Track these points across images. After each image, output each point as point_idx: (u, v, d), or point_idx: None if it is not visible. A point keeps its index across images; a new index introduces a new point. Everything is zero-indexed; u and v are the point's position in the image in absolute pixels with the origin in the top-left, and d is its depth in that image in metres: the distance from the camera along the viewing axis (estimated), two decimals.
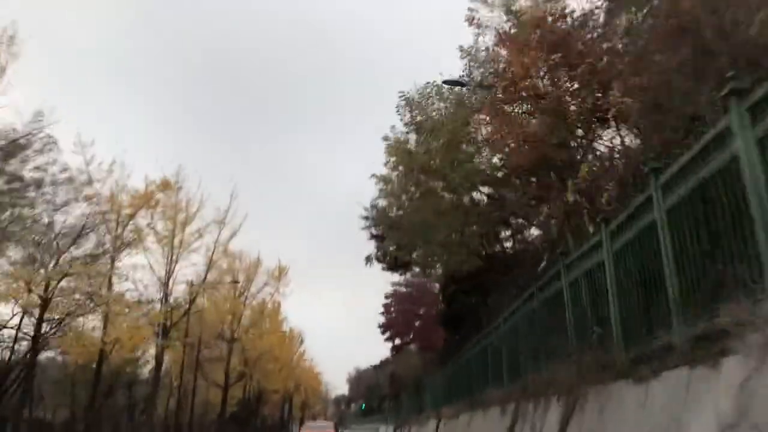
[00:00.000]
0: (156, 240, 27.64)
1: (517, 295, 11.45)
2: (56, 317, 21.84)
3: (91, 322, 24.52)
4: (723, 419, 4.12)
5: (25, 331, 22.49)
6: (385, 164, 17.47)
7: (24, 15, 45.19)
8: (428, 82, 15.98)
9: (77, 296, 21.83)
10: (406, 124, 17.14)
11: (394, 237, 19.70)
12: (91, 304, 22.24)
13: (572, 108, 10.15)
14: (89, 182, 23.15)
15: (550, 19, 11.25)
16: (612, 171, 9.00)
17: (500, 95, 10.96)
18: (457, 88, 15.95)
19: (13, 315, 22.11)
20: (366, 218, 24.53)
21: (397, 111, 16.85)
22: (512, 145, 10.74)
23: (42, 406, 36.51)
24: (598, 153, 10.90)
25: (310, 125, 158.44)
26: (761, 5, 6.95)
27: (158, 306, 28.22)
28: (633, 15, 10.15)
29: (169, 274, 28.74)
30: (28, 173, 21.85)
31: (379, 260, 25.41)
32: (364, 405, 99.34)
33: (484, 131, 13.40)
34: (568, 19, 11.72)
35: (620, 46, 10.09)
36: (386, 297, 46.40)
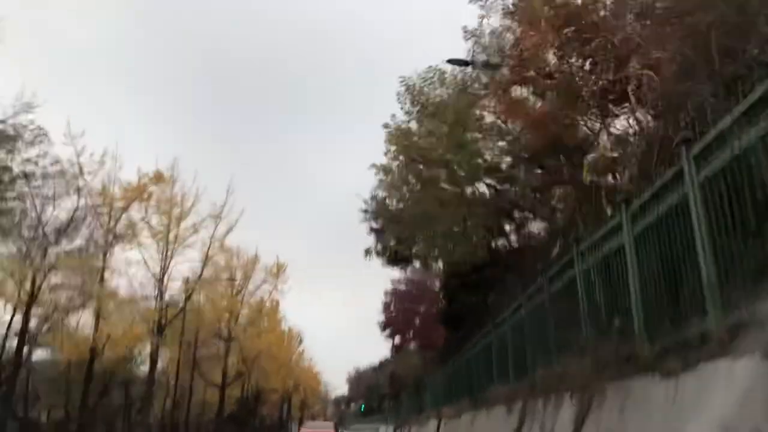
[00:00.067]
0: (150, 235, 27.20)
1: (525, 287, 10.90)
2: (42, 313, 21.26)
3: (83, 319, 24.00)
4: None
5: (17, 328, 21.97)
6: (386, 153, 16.91)
7: (24, 15, 44.68)
8: (430, 66, 15.39)
9: (66, 291, 21.27)
10: (407, 113, 16.56)
11: (394, 230, 19.15)
12: (81, 300, 21.65)
13: (585, 86, 9.55)
14: (80, 173, 22.62)
15: None
16: (632, 149, 8.40)
17: (508, 74, 10.35)
18: (459, 76, 15.39)
19: (5, 312, 21.61)
20: (365, 211, 23.95)
21: (398, 99, 16.28)
22: (520, 127, 10.15)
23: (37, 406, 36.04)
24: (612, 134, 10.29)
25: (310, 125, 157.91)
26: None
27: (153, 303, 27.69)
28: None
29: (164, 270, 28.27)
30: (17, 166, 21.43)
31: (378, 255, 24.74)
32: (363, 405, 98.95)
33: (489, 119, 12.81)
34: None
35: (633, 17, 9.45)
36: (386, 295, 46.04)
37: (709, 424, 4.54)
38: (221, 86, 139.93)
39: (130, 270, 26.37)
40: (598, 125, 10.29)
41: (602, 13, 10.15)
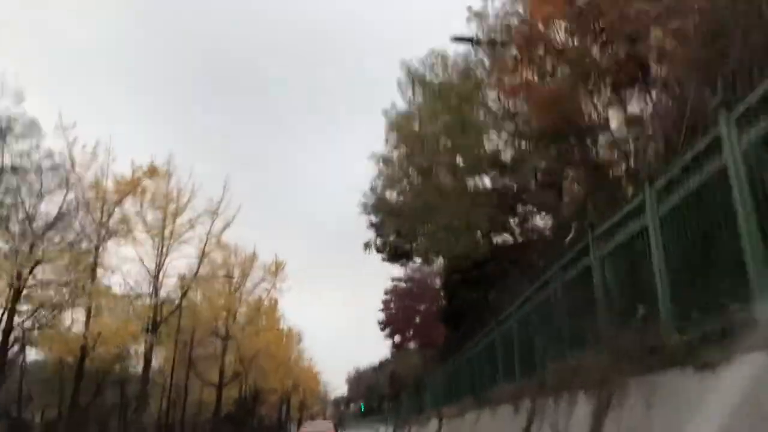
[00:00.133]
0: (145, 230, 26.60)
1: (531, 280, 10.34)
2: (29, 309, 20.65)
3: (75, 316, 23.37)
4: None
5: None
6: (386, 142, 16.30)
7: (24, 15, 44.18)
8: (432, 49, 14.76)
9: (56, 288, 20.65)
10: (408, 102, 15.96)
11: (394, 223, 18.55)
12: (70, 296, 21.01)
13: (599, 60, 8.99)
14: (72, 166, 22.05)
15: None
16: (656, 122, 7.81)
17: (515, 53, 9.78)
18: (462, 63, 14.79)
19: None
20: (364, 204, 23.35)
21: (398, 87, 15.68)
22: (527, 108, 9.60)
23: (30, 406, 35.55)
24: (627, 114, 9.72)
25: (310, 125, 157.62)
26: None
27: (148, 300, 27.11)
28: None
29: (159, 266, 27.68)
30: (8, 159, 20.97)
31: (378, 250, 24.13)
32: (363, 405, 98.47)
33: (494, 101, 12.23)
34: None
35: None
36: (386, 293, 45.55)
37: (751, 418, 4.00)
38: (221, 86, 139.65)
39: (125, 266, 25.88)
40: (610, 105, 9.75)
41: None
